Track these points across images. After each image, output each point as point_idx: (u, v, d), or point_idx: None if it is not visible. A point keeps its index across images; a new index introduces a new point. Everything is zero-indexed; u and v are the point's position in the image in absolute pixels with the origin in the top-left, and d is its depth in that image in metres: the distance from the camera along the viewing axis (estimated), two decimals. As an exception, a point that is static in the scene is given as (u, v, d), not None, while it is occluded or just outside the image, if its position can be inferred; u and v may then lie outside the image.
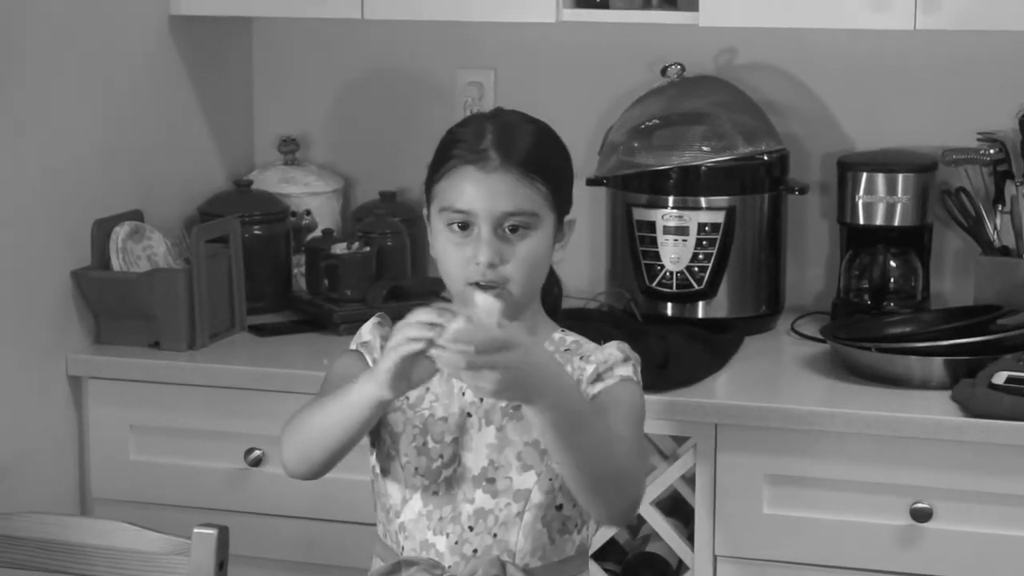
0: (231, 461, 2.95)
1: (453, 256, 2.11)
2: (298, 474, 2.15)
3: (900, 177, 3.11)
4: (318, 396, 2.17)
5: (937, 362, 2.73)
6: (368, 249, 3.22)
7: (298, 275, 3.36)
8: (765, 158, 3.12)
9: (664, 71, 3.21)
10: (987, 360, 2.72)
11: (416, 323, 1.92)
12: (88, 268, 3.04)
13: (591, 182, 3.19)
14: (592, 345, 2.22)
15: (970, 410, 2.60)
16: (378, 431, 2.18)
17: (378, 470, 2.20)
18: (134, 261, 3.07)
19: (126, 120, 3.16)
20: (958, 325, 2.86)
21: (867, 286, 3.16)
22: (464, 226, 2.10)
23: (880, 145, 3.22)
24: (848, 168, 3.15)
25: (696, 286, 3.10)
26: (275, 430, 2.89)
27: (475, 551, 2.13)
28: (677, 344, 2.91)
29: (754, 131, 3.12)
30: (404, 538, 2.16)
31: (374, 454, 2.20)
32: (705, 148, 3.08)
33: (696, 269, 3.09)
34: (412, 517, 2.15)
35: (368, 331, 2.22)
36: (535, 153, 2.12)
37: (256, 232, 3.29)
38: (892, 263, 3.16)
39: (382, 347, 2.15)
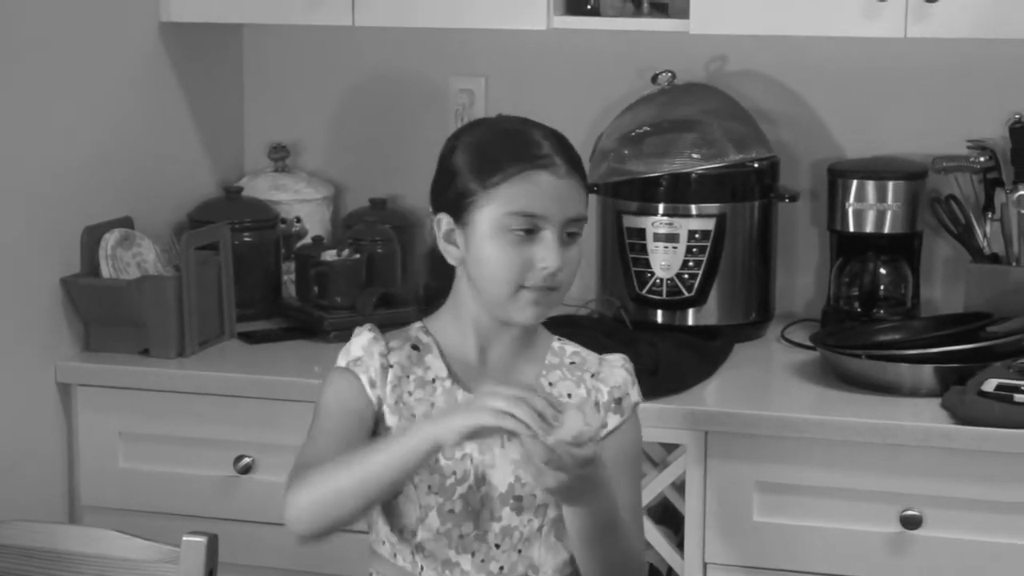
0: (220, 469, 2.94)
1: (510, 260, 2.06)
2: (311, 533, 2.03)
3: (890, 184, 3.11)
4: (317, 430, 2.10)
5: (927, 369, 2.73)
6: (358, 256, 3.22)
7: (288, 282, 3.35)
8: (755, 165, 3.12)
9: (655, 78, 3.21)
10: (977, 367, 2.72)
11: (521, 403, 1.88)
12: (77, 275, 3.03)
13: (582, 189, 3.19)
14: (594, 357, 2.23)
15: (960, 417, 2.60)
16: None
17: None
18: (124, 268, 3.06)
19: (116, 127, 3.15)
20: (948, 332, 2.86)
21: (857, 293, 3.17)
22: (528, 231, 2.07)
23: (870, 152, 3.23)
24: (838, 175, 3.16)
25: (686, 293, 3.10)
26: (265, 437, 2.91)
27: (501, 568, 2.12)
28: (667, 351, 2.91)
29: (744, 138, 3.13)
30: (423, 558, 2.13)
31: None
32: (695, 155, 3.08)
33: (686, 276, 3.09)
34: (430, 536, 2.11)
35: (360, 347, 2.16)
36: (579, 159, 2.15)
37: (246, 239, 3.29)
38: (882, 270, 3.17)
39: (383, 367, 2.12)
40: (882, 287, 3.16)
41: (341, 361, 2.17)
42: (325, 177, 3.56)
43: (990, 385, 2.63)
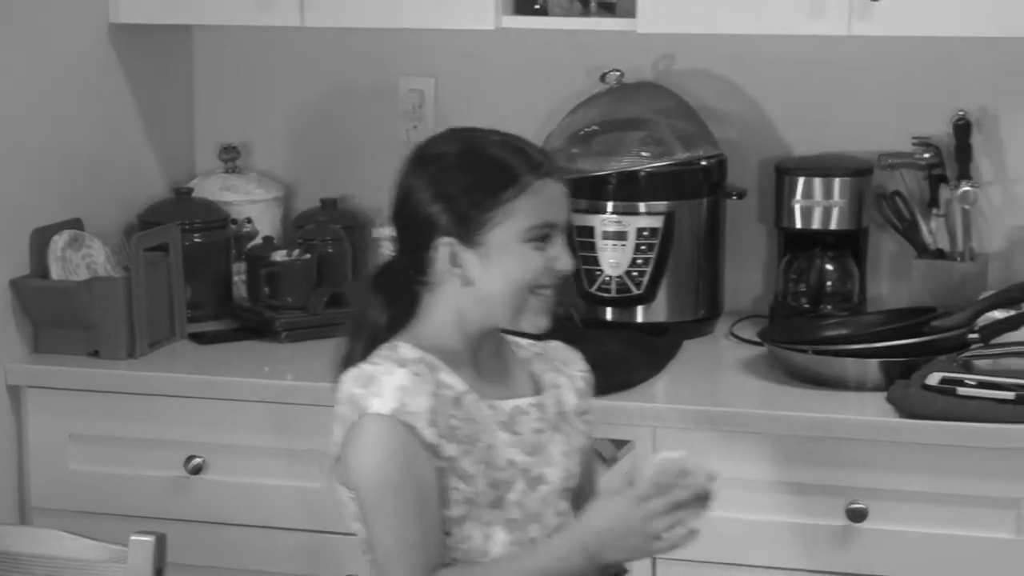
0: (171, 469, 2.94)
1: (535, 270, 2.06)
2: None
3: (836, 181, 3.14)
4: (401, 515, 1.99)
5: (872, 364, 2.76)
6: (309, 256, 3.23)
7: (239, 282, 3.35)
8: (703, 163, 3.15)
9: (603, 77, 3.23)
10: (922, 362, 2.75)
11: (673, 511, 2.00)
12: (27, 277, 3.02)
13: (531, 188, 3.20)
14: (544, 347, 2.25)
15: (905, 411, 2.63)
16: (445, 486, 2.03)
17: (451, 518, 2.05)
18: (73, 270, 3.06)
19: (65, 128, 3.15)
20: (893, 327, 2.89)
21: (804, 289, 3.19)
22: (545, 239, 2.07)
23: (817, 150, 3.25)
24: (785, 173, 3.18)
25: (635, 291, 3.11)
26: (216, 437, 2.91)
27: None
28: (616, 348, 2.93)
29: (692, 137, 3.15)
30: None
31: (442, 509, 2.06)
32: (644, 154, 3.10)
33: (635, 274, 3.11)
34: (500, 551, 2.07)
35: (398, 388, 2.01)
36: None
37: (196, 240, 3.29)
38: (829, 266, 3.19)
39: (432, 403, 2.01)
40: (829, 283, 3.19)
41: (381, 407, 2.00)
42: (275, 178, 3.56)
43: (934, 379, 2.66)
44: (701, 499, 2.02)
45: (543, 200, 2.06)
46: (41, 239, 3.03)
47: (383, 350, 2.08)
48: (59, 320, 3.01)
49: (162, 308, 3.11)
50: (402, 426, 1.99)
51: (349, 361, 2.10)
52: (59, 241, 3.04)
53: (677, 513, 1.99)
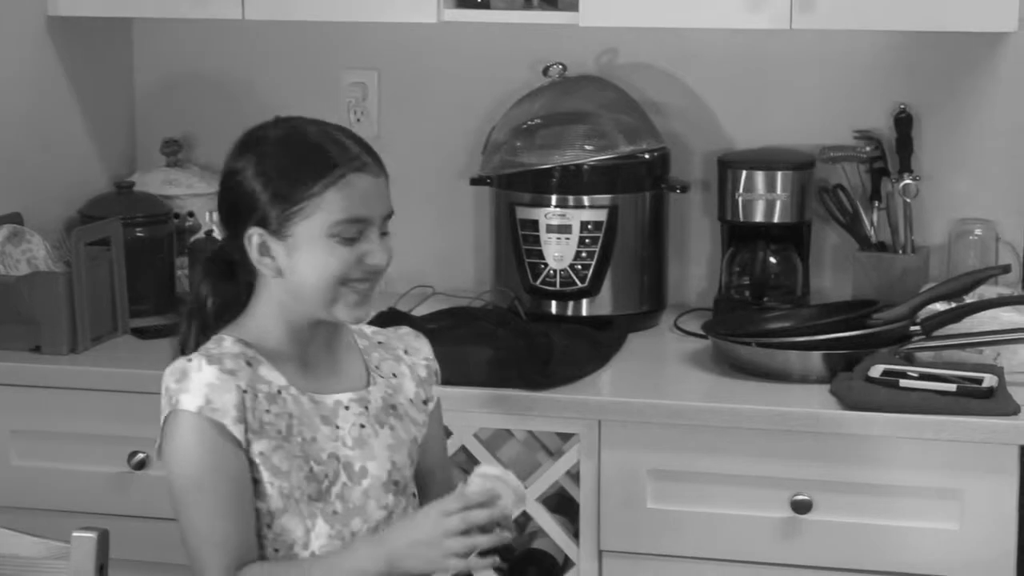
0: (114, 465, 2.93)
1: (342, 266, 2.05)
2: None
3: (779, 175, 3.15)
4: (206, 511, 2.03)
5: (816, 356, 2.78)
6: (252, 250, 3.21)
7: (182, 277, 3.34)
8: (646, 157, 3.15)
9: (546, 71, 3.23)
10: (864, 354, 2.77)
11: (468, 539, 1.98)
12: (-34, 272, 3.00)
13: (475, 181, 3.21)
14: (391, 332, 2.27)
15: (848, 403, 2.64)
16: (258, 479, 2.07)
17: (269, 511, 2.08)
18: (13, 265, 3.04)
19: (4, 122, 3.13)
20: (836, 320, 2.90)
21: (748, 282, 3.20)
22: (357, 234, 2.07)
23: (759, 143, 3.27)
24: (728, 166, 3.19)
25: (579, 284, 3.12)
26: (158, 433, 2.89)
27: None
28: (561, 342, 2.93)
29: (635, 130, 3.15)
30: None
31: (257, 503, 2.08)
32: (587, 147, 3.10)
33: (579, 267, 3.11)
34: (323, 543, 2.10)
35: (206, 384, 2.03)
36: (379, 154, 2.14)
37: (138, 234, 3.26)
38: (772, 259, 3.20)
39: (240, 398, 2.03)
40: (772, 276, 3.20)
41: (188, 404, 2.03)
42: (218, 171, 3.52)
43: (877, 371, 2.68)
44: (503, 526, 2.01)
45: (351, 194, 2.05)
46: (-20, 234, 3.01)
47: (210, 343, 2.10)
48: (-1, 316, 3.00)
49: (104, 303, 3.08)
50: (208, 423, 2.02)
51: (183, 349, 2.13)
52: (-1, 236, 3.02)
53: (474, 535, 1.98)
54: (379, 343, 2.24)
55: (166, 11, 3.19)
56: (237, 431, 2.03)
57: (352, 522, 2.11)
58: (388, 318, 2.95)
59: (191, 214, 3.41)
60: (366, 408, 2.15)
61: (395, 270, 3.66)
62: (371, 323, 2.28)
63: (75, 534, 2.16)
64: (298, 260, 2.06)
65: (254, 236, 2.07)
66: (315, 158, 2.06)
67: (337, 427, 2.12)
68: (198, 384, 2.03)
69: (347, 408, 2.14)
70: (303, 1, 3.10)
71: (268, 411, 2.07)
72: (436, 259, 3.43)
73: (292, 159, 2.07)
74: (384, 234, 2.11)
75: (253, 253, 2.08)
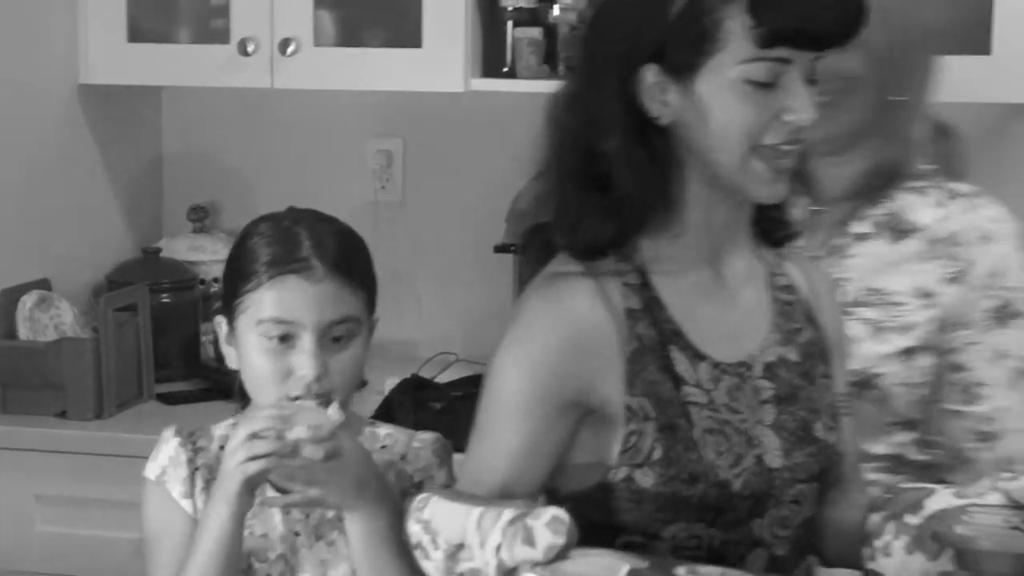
0: (138, 531, 2.92)
1: (271, 369, 1.99)
2: None
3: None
4: (154, 565, 2.07)
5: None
6: (277, 317, 3.23)
7: (206, 343, 3.35)
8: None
9: (570, 140, 3.24)
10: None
11: (249, 440, 1.88)
12: (-6, 337, 3.02)
13: (499, 249, 3.21)
14: (406, 437, 2.13)
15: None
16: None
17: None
18: (41, 330, 3.06)
19: (33, 188, 3.15)
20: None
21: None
22: (284, 338, 1.99)
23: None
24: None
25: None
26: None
27: None
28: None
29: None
30: None
31: None
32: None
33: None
34: None
35: (167, 456, 2.08)
36: (351, 258, 2.06)
37: (164, 300, 3.29)
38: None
39: (191, 473, 2.04)
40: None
41: (150, 472, 2.07)
42: (244, 238, 3.56)
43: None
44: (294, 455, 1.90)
45: (276, 296, 1.99)
46: (9, 300, 3.03)
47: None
48: (27, 381, 3.00)
49: (130, 368, 3.10)
50: (159, 487, 2.07)
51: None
52: (27, 302, 3.04)
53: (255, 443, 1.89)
54: (381, 448, 2.11)
55: (196, 80, 3.23)
56: (186, 504, 2.04)
57: None
58: (411, 384, 2.95)
59: (216, 280, 3.44)
60: (307, 516, 2.06)
61: (420, 336, 3.67)
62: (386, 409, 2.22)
63: (101, 601, 2.17)
64: (240, 352, 2.03)
65: (222, 323, 2.07)
66: (262, 255, 2.03)
67: (298, 534, 2.05)
68: (163, 455, 2.08)
69: (288, 513, 2.06)
70: (331, 70, 3.13)
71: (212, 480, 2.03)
72: (460, 326, 3.44)
73: (248, 254, 2.05)
74: (337, 339, 2.01)
75: (222, 342, 2.08)
